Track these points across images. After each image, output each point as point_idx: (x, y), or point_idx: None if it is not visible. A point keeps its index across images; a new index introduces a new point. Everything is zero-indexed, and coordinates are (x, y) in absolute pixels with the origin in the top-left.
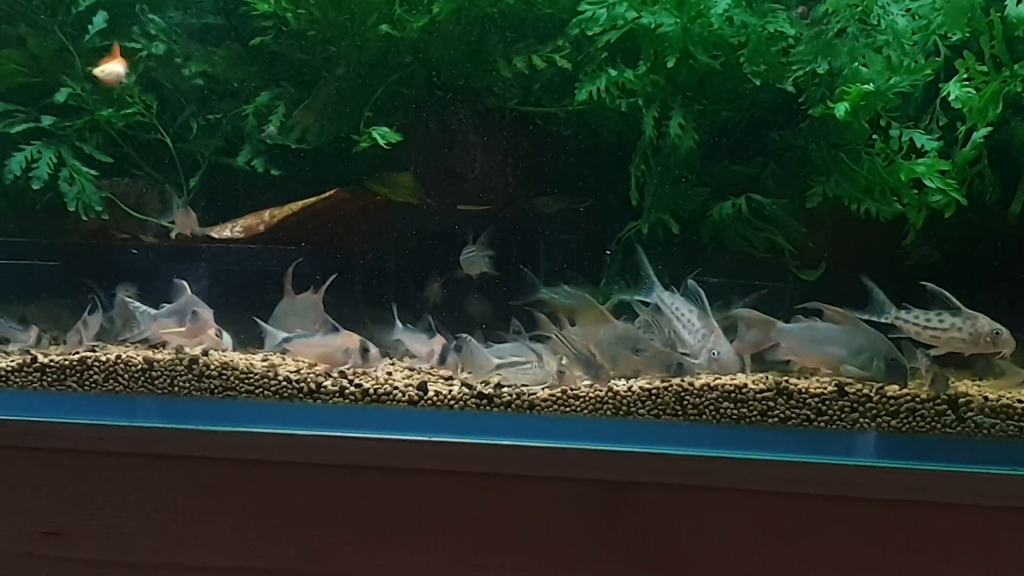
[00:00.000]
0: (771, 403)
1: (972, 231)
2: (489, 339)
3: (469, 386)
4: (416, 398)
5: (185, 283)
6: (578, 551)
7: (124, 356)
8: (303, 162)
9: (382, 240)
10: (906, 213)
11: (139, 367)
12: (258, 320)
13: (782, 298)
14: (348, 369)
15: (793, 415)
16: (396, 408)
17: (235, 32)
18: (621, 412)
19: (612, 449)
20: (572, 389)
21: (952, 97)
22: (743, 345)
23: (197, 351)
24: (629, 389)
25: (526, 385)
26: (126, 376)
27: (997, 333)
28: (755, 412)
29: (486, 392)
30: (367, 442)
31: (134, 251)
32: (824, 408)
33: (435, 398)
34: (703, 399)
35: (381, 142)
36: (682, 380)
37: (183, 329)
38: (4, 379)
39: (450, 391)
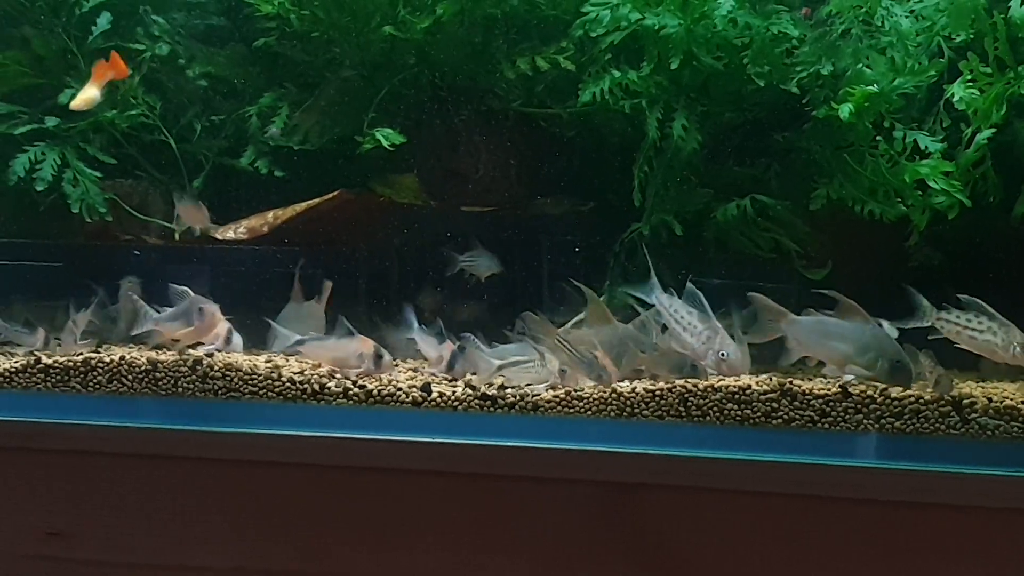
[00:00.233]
0: (775, 404)
1: (976, 233)
2: (493, 340)
3: (473, 387)
4: (420, 399)
5: (186, 288)
6: (577, 551)
7: (128, 357)
8: (306, 163)
9: (385, 241)
10: (910, 214)
11: (143, 368)
12: (271, 322)
13: (787, 299)
14: (360, 374)
15: (797, 416)
16: (400, 409)
17: (238, 33)
18: (625, 413)
19: (616, 450)
20: (576, 391)
21: (956, 98)
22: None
23: (201, 352)
24: (633, 390)
25: (529, 384)
26: (130, 377)
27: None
28: (759, 413)
29: (490, 393)
30: (369, 443)
31: (136, 252)
32: (828, 409)
33: (439, 399)
34: (707, 400)
35: (385, 143)
36: (686, 381)
37: (191, 329)
38: (8, 380)
39: (454, 392)
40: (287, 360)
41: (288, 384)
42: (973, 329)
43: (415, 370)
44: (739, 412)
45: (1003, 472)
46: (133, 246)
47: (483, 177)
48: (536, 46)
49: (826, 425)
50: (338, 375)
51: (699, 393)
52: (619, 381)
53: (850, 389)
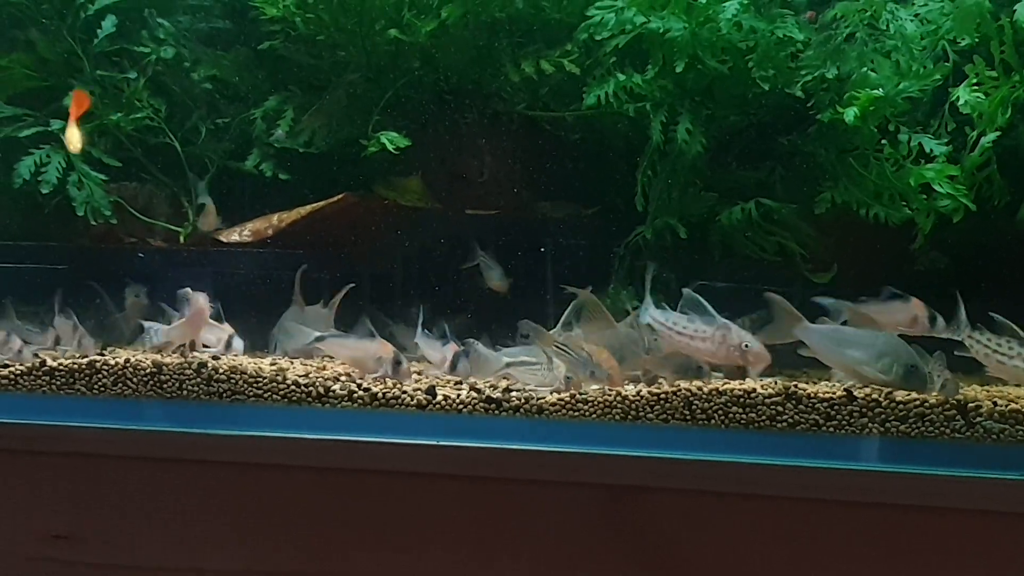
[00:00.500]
0: (780, 408)
1: (981, 236)
2: (498, 343)
3: (477, 390)
4: (424, 402)
5: (188, 290)
6: (580, 554)
7: (133, 360)
8: (311, 166)
9: (390, 244)
10: (915, 218)
11: (148, 371)
12: (291, 322)
13: (791, 302)
14: (376, 378)
15: (802, 420)
16: (404, 412)
17: (244, 36)
18: (630, 417)
19: (620, 453)
20: (580, 393)
21: (961, 102)
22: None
23: (206, 355)
24: (638, 394)
25: (534, 387)
26: (135, 380)
27: None
28: (764, 417)
29: (495, 396)
30: (373, 446)
31: (140, 255)
32: (833, 413)
33: (443, 402)
34: (712, 404)
35: (389, 146)
36: (691, 384)
37: (182, 321)
38: (13, 383)
39: (458, 395)
40: (292, 363)
41: (293, 387)
42: (1003, 354)
43: (419, 373)
44: (744, 415)
45: (1008, 476)
46: (138, 249)
47: (487, 180)
48: (541, 49)
49: (831, 429)
50: (343, 378)
51: (704, 396)
52: (623, 382)
53: (855, 392)
